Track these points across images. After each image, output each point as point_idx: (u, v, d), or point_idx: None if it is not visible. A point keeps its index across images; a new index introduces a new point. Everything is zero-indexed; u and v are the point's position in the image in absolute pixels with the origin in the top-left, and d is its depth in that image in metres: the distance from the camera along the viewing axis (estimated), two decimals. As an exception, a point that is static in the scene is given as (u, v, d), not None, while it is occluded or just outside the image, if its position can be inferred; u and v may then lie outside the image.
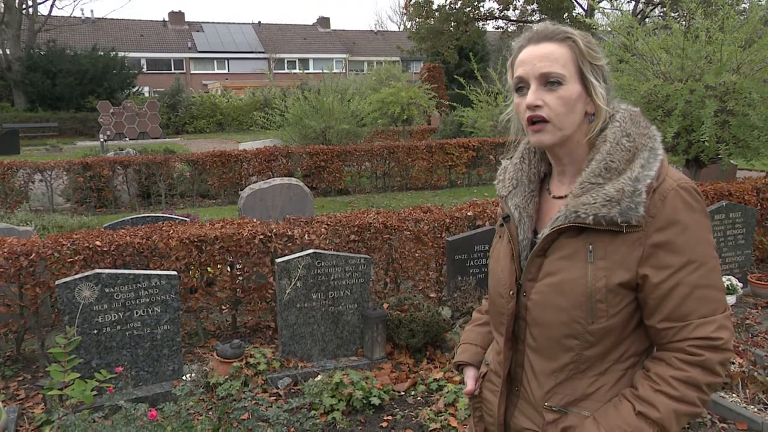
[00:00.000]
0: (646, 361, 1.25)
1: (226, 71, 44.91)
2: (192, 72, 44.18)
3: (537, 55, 1.25)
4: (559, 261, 1.24)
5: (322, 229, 4.58)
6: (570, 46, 1.25)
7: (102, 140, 19.18)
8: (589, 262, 1.20)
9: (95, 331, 3.49)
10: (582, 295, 1.19)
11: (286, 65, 45.73)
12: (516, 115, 1.36)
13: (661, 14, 20.77)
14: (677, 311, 1.17)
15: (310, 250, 4.00)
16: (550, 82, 1.23)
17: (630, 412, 1.17)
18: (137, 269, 3.96)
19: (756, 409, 3.31)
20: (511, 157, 1.45)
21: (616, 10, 7.68)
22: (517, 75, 1.28)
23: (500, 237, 1.43)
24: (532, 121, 1.25)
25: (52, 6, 31.39)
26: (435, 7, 24.34)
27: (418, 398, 3.69)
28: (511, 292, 1.31)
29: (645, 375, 1.21)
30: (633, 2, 22.58)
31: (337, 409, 3.41)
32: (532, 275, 1.28)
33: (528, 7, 25.26)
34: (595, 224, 1.19)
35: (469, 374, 1.51)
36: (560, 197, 1.33)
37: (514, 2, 24.90)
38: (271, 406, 3.25)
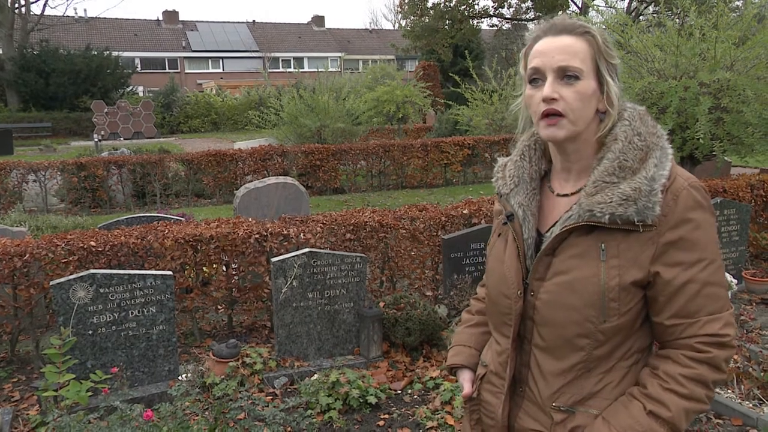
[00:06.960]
0: (652, 359, 1.25)
1: (220, 70, 44.82)
2: (186, 71, 44.05)
3: (556, 47, 1.22)
4: (569, 260, 1.22)
5: (318, 228, 4.58)
6: (589, 41, 1.23)
7: (96, 140, 19.10)
8: (601, 260, 1.19)
9: (90, 332, 3.47)
10: (595, 294, 1.18)
11: (281, 64, 45.69)
12: (524, 109, 1.33)
13: (655, 12, 20.83)
14: (687, 308, 1.18)
15: (306, 249, 3.99)
16: (567, 76, 1.21)
17: (641, 412, 1.17)
18: (132, 269, 3.94)
19: (751, 405, 3.33)
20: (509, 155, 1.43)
21: (610, 7, 7.69)
22: (532, 66, 1.24)
23: (500, 235, 1.39)
24: (546, 115, 1.22)
25: (44, 5, 31.02)
26: (429, 5, 24.33)
27: (415, 397, 3.69)
28: (519, 292, 1.28)
29: (653, 373, 1.21)
30: (626, 0, 22.62)
31: (334, 408, 3.40)
32: (540, 274, 1.26)
33: (522, 5, 25.31)
34: (610, 223, 1.18)
35: (465, 377, 1.49)
36: (565, 195, 1.31)
37: (509, 0, 24.93)
38: (268, 406, 3.25)
